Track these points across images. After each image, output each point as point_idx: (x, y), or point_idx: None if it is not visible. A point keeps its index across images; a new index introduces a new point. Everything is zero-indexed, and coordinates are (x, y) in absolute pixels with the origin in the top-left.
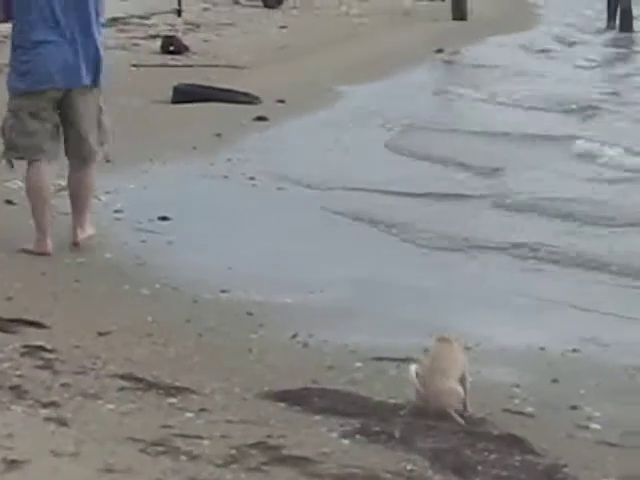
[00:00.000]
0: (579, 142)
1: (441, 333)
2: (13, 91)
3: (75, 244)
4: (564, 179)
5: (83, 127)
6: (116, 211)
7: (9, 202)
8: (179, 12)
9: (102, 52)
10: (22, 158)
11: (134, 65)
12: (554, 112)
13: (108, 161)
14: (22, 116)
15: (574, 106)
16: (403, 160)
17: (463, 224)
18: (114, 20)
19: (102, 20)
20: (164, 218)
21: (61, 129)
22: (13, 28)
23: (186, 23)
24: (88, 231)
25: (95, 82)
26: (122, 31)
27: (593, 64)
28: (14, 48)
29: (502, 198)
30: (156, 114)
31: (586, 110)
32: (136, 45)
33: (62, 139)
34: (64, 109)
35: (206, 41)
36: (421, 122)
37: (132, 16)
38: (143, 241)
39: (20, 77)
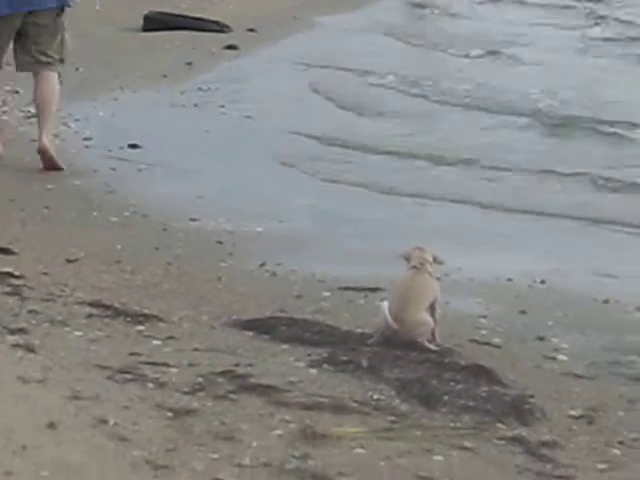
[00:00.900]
0: None
1: (417, 244)
2: None
3: (41, 150)
4: None
5: (44, 46)
6: (85, 138)
7: None
8: None
9: None
10: None
11: None
12: None
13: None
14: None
15: None
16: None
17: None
18: None
19: None
20: (134, 146)
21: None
22: None
23: None
24: (52, 151)
25: (58, 4)
26: None
27: None
28: None
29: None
30: (127, 42)
31: None
32: None
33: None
34: (27, 29)
35: None
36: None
37: None
38: (113, 169)
39: None
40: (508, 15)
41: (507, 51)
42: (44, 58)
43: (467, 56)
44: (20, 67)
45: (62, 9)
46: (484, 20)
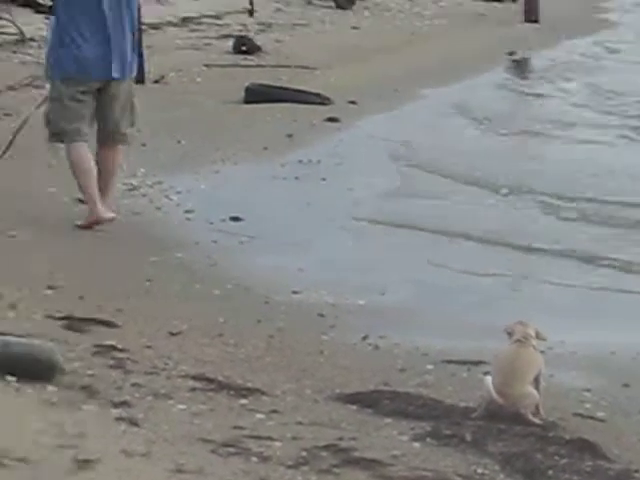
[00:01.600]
0: None
1: (519, 319)
2: (55, 77)
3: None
4: None
5: (117, 112)
6: (187, 211)
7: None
8: (251, 12)
9: (133, 46)
10: (62, 141)
11: (206, 65)
12: None
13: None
14: (64, 102)
15: None
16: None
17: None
18: (186, 20)
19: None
20: (236, 218)
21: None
22: (55, 21)
23: (258, 23)
24: (109, 213)
25: (127, 74)
26: (194, 31)
27: None
28: (54, 40)
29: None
30: (228, 114)
31: None
32: (208, 45)
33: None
34: (101, 96)
35: (278, 41)
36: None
37: (204, 16)
38: (214, 241)
39: (61, 66)
40: None
41: None
42: (117, 130)
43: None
44: (98, 140)
45: (131, 79)
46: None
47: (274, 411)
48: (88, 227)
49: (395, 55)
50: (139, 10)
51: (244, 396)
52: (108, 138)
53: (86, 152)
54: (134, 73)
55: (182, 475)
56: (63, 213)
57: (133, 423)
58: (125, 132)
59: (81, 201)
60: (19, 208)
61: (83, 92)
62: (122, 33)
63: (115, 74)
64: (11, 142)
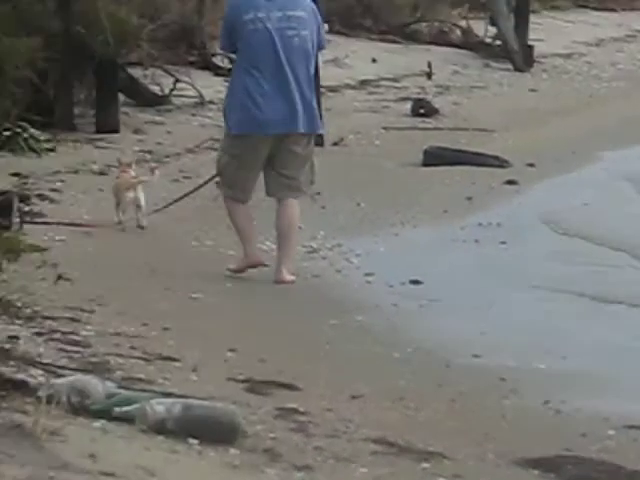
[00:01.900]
0: None
1: None
2: (230, 132)
3: (277, 282)
4: None
5: (295, 168)
6: (367, 274)
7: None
8: (429, 75)
9: (315, 100)
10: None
11: (384, 127)
12: None
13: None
14: (236, 155)
15: None
16: None
17: None
18: (364, 82)
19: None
20: (415, 282)
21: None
22: (232, 75)
23: (436, 86)
24: (288, 276)
25: (309, 129)
26: (372, 93)
27: None
28: (233, 93)
29: None
30: (407, 177)
31: None
32: (386, 107)
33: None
34: (279, 152)
35: (456, 104)
36: None
37: (382, 78)
38: (394, 304)
39: (236, 121)
40: None
41: None
42: (294, 184)
43: None
44: (271, 193)
45: (313, 135)
46: None
47: (456, 475)
48: (240, 271)
49: (573, 117)
50: (317, 72)
51: (426, 460)
52: (284, 191)
53: (248, 208)
54: (319, 130)
55: None
56: (241, 275)
57: None
58: (301, 187)
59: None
60: (200, 269)
61: (256, 148)
62: (305, 88)
63: (300, 129)
64: (180, 198)
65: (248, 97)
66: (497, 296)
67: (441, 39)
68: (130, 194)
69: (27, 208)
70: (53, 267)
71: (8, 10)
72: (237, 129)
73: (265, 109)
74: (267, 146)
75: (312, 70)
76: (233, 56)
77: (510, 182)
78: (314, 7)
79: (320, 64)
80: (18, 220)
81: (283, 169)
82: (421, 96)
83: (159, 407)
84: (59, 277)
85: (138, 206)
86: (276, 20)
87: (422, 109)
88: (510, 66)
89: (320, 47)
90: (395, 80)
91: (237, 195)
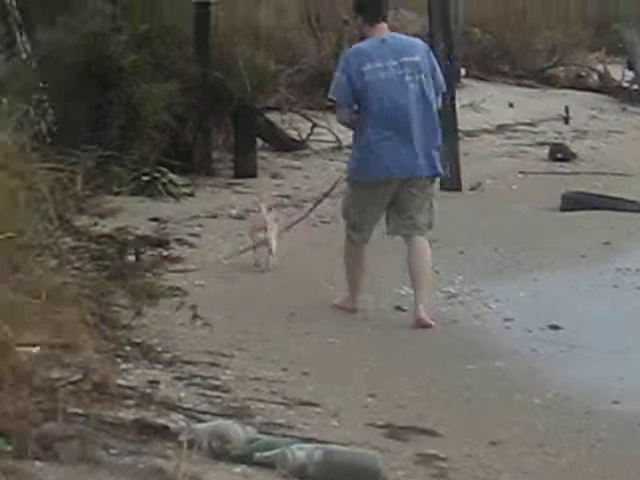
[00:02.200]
0: None
1: None
2: (352, 179)
3: (417, 322)
4: None
5: (415, 209)
6: (506, 319)
7: (399, 308)
8: (566, 119)
9: (436, 145)
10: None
11: (522, 172)
12: None
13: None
14: (359, 200)
15: None
16: None
17: None
18: (501, 127)
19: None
20: (555, 327)
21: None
22: (355, 123)
23: (573, 130)
24: (427, 317)
25: (428, 172)
26: (510, 138)
27: None
28: (355, 142)
29: None
30: (545, 221)
31: None
32: (524, 152)
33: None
34: (400, 196)
35: (593, 148)
36: None
37: (519, 123)
38: (533, 350)
39: (359, 169)
40: None
41: None
42: (412, 223)
43: None
44: (390, 231)
45: (433, 178)
46: None
47: None
48: (341, 308)
49: None
50: (454, 115)
51: None
52: (405, 230)
53: (363, 252)
54: (438, 173)
55: None
56: (380, 320)
57: None
58: (421, 226)
59: (399, 308)
60: (337, 313)
61: (376, 194)
62: (424, 132)
63: (419, 173)
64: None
65: (369, 144)
66: (636, 341)
67: (578, 83)
68: (260, 234)
69: (166, 253)
70: (192, 309)
71: (146, 55)
72: (358, 175)
73: (385, 156)
74: (388, 192)
75: (433, 113)
76: None
77: None
78: (427, 49)
79: (458, 108)
80: None
81: (403, 211)
82: (558, 140)
83: (300, 452)
84: (195, 316)
85: (269, 247)
86: (392, 68)
87: (559, 153)
88: None
89: (439, 88)
90: (532, 125)
91: (356, 237)
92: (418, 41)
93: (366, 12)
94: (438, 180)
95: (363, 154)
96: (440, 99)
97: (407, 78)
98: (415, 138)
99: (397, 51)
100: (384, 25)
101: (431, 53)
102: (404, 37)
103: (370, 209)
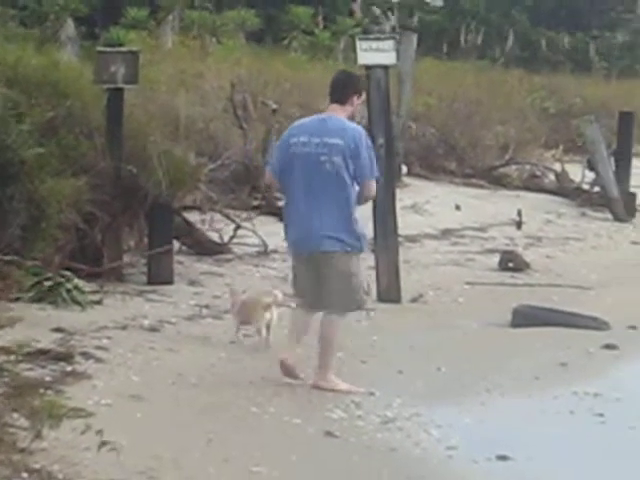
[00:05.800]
0: None
1: None
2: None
3: (313, 386)
4: None
5: (329, 285)
6: (449, 448)
7: (329, 434)
8: (519, 224)
9: (345, 223)
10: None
11: (469, 283)
12: None
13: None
14: (293, 270)
15: None
16: None
17: None
18: (447, 232)
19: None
20: (503, 457)
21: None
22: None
23: (527, 236)
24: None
25: (340, 248)
26: (455, 244)
27: None
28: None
29: None
30: (493, 339)
31: None
32: (471, 260)
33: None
34: (317, 270)
35: (549, 257)
36: None
37: (466, 228)
38: None
39: (287, 240)
40: None
41: None
42: (325, 302)
43: None
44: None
45: (340, 256)
46: None
47: None
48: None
49: None
50: (394, 217)
51: None
52: (319, 307)
53: (306, 316)
54: (349, 249)
55: None
56: (310, 448)
57: None
58: (329, 305)
59: (330, 434)
60: (260, 439)
61: (299, 265)
62: (331, 211)
63: (320, 248)
64: None
65: (287, 217)
66: (595, 474)
67: (533, 184)
68: (267, 314)
69: (69, 368)
70: (98, 434)
71: (52, 147)
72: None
73: (296, 230)
74: (308, 264)
75: (347, 194)
76: None
77: (609, 346)
78: (360, 135)
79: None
80: None
81: (317, 286)
82: (510, 248)
83: None
84: (103, 443)
85: (268, 327)
86: (314, 145)
87: (511, 262)
88: (610, 215)
89: (361, 175)
90: (481, 230)
91: (299, 302)
92: (352, 126)
93: (329, 92)
94: (375, 291)
95: (285, 225)
96: (370, 184)
97: (322, 158)
98: (316, 215)
99: (326, 131)
100: (335, 106)
101: (364, 139)
102: (341, 120)
103: (299, 280)
